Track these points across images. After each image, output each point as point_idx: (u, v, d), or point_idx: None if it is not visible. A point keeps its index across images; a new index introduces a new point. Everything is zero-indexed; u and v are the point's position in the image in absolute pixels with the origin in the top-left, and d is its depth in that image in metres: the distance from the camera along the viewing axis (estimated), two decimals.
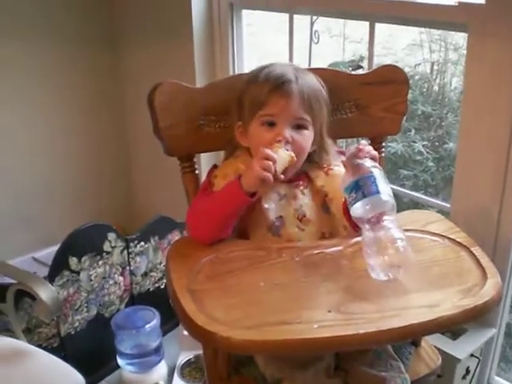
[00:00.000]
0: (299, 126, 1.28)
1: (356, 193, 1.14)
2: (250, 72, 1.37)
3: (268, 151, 1.19)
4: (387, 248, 1.10)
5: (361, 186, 1.14)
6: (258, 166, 1.18)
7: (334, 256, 1.19)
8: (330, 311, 1.03)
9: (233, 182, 1.22)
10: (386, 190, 1.15)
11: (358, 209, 1.15)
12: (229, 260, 1.18)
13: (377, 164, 1.19)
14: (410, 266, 1.10)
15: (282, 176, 1.21)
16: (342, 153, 1.36)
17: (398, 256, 1.09)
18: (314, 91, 1.30)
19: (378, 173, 1.16)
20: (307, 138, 1.29)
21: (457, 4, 1.60)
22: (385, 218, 1.13)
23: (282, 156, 1.21)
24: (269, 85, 1.26)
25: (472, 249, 1.20)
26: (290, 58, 2.08)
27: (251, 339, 0.98)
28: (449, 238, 1.24)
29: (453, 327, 1.60)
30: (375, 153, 1.22)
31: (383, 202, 1.14)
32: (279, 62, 1.35)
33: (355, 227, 1.22)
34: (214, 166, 1.37)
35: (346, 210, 1.22)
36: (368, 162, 1.18)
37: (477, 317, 1.08)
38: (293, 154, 1.22)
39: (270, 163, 1.18)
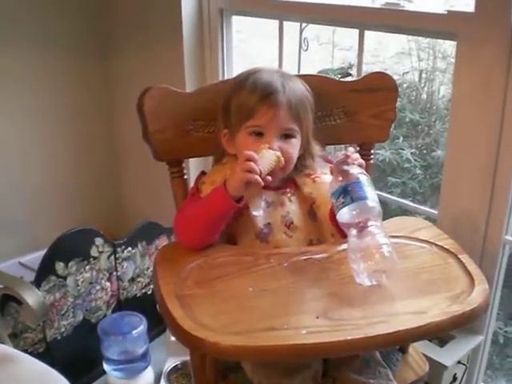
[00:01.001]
0: (287, 136, 1.28)
1: (344, 197, 1.15)
2: (236, 76, 1.37)
3: (250, 153, 1.19)
4: (373, 253, 1.10)
5: (349, 191, 1.15)
6: (241, 168, 1.18)
7: (322, 262, 1.19)
8: (317, 317, 1.03)
9: (219, 187, 1.22)
10: (373, 196, 1.16)
11: (345, 214, 1.15)
12: (217, 265, 1.18)
13: (364, 171, 1.20)
14: (394, 271, 1.11)
15: (270, 178, 1.21)
16: (328, 161, 1.37)
17: (383, 261, 1.10)
18: (301, 99, 1.30)
19: (365, 179, 1.17)
20: (295, 146, 1.30)
21: (446, 12, 1.61)
22: (370, 223, 1.14)
23: (267, 156, 1.20)
24: (256, 95, 1.26)
25: (460, 256, 1.20)
26: (280, 65, 2.08)
27: (239, 345, 0.98)
28: (437, 245, 1.25)
29: (440, 334, 1.60)
30: (362, 161, 1.23)
31: (370, 207, 1.14)
32: (265, 67, 1.34)
33: (342, 233, 1.23)
34: (202, 173, 1.36)
35: (333, 216, 1.23)
36: (356, 169, 1.19)
37: (464, 323, 1.09)
38: (279, 154, 1.22)
39: (253, 164, 1.17)
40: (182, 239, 1.28)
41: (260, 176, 1.18)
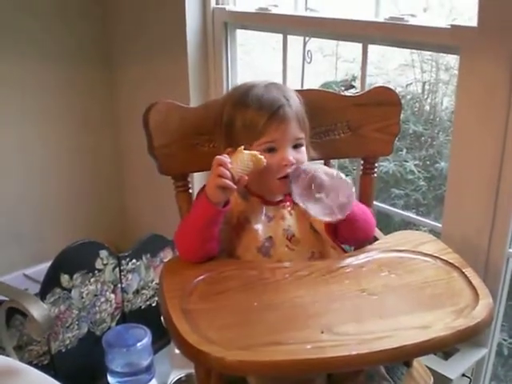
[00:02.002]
0: (296, 145, 1.30)
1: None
2: (229, 93, 1.36)
3: (220, 157, 1.20)
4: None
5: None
6: (213, 174, 1.19)
7: (327, 276, 1.19)
8: (322, 332, 1.03)
9: (202, 195, 1.23)
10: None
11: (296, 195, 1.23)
12: (222, 280, 1.19)
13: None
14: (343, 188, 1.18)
15: (246, 177, 1.20)
16: None
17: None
18: (300, 106, 1.32)
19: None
20: (305, 154, 1.31)
21: (449, 27, 1.62)
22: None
23: (241, 158, 1.20)
24: (264, 112, 1.26)
25: (464, 270, 1.20)
26: (284, 77, 2.09)
27: (244, 360, 0.98)
28: (441, 259, 1.25)
29: (445, 348, 1.60)
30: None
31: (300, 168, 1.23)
32: (255, 80, 1.34)
33: (339, 246, 1.27)
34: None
35: (329, 229, 1.26)
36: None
37: (469, 338, 1.09)
38: (255, 153, 1.21)
39: (222, 169, 1.18)
40: (180, 251, 1.29)
41: (233, 179, 1.18)
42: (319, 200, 1.19)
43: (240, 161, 1.20)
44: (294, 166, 1.25)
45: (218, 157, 1.20)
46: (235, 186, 1.19)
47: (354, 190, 1.20)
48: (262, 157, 1.21)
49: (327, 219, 1.22)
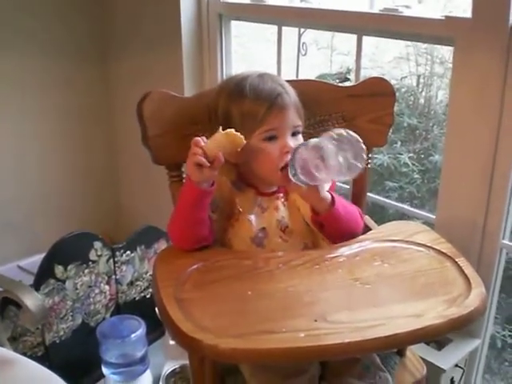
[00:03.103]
0: (295, 133, 1.30)
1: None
2: (223, 87, 1.35)
3: (195, 138, 1.20)
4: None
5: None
6: (189, 153, 1.19)
7: (320, 265, 1.19)
8: (316, 320, 1.03)
9: (186, 178, 1.24)
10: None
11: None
12: (216, 269, 1.19)
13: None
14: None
15: (221, 155, 1.18)
16: None
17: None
18: (294, 93, 1.32)
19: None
20: (302, 141, 1.31)
21: (443, 18, 1.62)
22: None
23: (216, 137, 1.19)
24: (264, 102, 1.26)
25: (457, 259, 1.21)
26: (279, 69, 2.09)
27: (238, 348, 0.98)
28: (434, 249, 1.25)
29: (438, 337, 1.61)
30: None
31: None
32: (245, 71, 1.35)
33: (330, 239, 1.28)
34: None
35: (315, 221, 1.28)
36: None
37: (462, 326, 1.09)
38: (230, 131, 1.19)
39: (195, 148, 1.18)
40: (171, 238, 1.29)
41: (207, 157, 1.18)
42: (323, 167, 1.19)
43: (214, 139, 1.19)
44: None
45: (195, 138, 1.20)
46: (208, 164, 1.18)
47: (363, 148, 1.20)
48: (239, 134, 1.19)
49: (336, 178, 1.26)
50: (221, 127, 1.21)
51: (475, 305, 1.08)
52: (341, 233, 1.29)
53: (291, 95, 1.30)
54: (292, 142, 1.28)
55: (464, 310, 1.07)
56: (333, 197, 1.28)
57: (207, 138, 1.21)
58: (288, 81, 1.36)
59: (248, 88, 1.28)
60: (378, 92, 1.46)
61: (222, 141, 1.19)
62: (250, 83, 1.29)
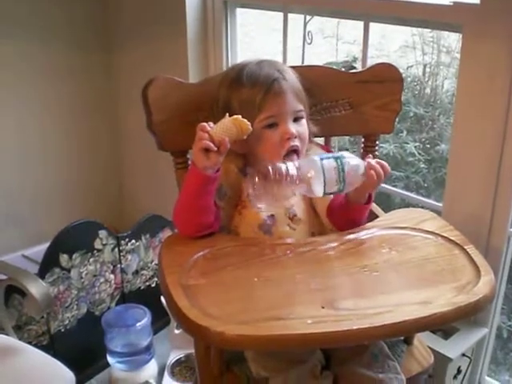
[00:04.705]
0: (297, 118, 1.29)
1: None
2: (224, 76, 1.35)
3: (201, 123, 1.19)
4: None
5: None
6: (196, 139, 1.18)
7: (328, 252, 1.18)
8: (323, 307, 1.02)
9: (191, 165, 1.23)
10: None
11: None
12: (222, 256, 1.18)
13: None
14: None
15: (227, 140, 1.17)
16: (327, 150, 1.40)
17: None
18: (296, 78, 1.31)
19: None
20: (306, 126, 1.31)
21: (451, 4, 1.60)
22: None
23: (223, 122, 1.19)
24: (260, 87, 1.26)
25: (466, 247, 1.20)
26: (284, 58, 2.07)
27: (244, 334, 0.97)
28: (442, 236, 1.24)
29: (446, 324, 1.60)
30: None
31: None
32: (246, 60, 1.34)
33: (339, 228, 1.27)
34: None
35: (330, 213, 1.28)
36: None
37: (471, 314, 1.09)
38: (237, 116, 1.18)
39: (201, 133, 1.17)
40: (177, 225, 1.28)
41: (213, 141, 1.17)
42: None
43: (221, 124, 1.18)
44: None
45: (201, 123, 1.19)
46: (215, 148, 1.17)
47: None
48: (245, 120, 1.18)
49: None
50: (227, 114, 1.20)
51: (484, 292, 1.07)
52: (352, 223, 1.28)
53: (290, 79, 1.28)
54: (294, 128, 1.27)
55: (472, 297, 1.06)
56: (370, 195, 1.28)
57: (214, 123, 1.20)
58: (293, 67, 1.36)
59: (245, 76, 1.28)
60: (386, 78, 1.45)
61: (228, 126, 1.18)
62: (247, 71, 1.29)
